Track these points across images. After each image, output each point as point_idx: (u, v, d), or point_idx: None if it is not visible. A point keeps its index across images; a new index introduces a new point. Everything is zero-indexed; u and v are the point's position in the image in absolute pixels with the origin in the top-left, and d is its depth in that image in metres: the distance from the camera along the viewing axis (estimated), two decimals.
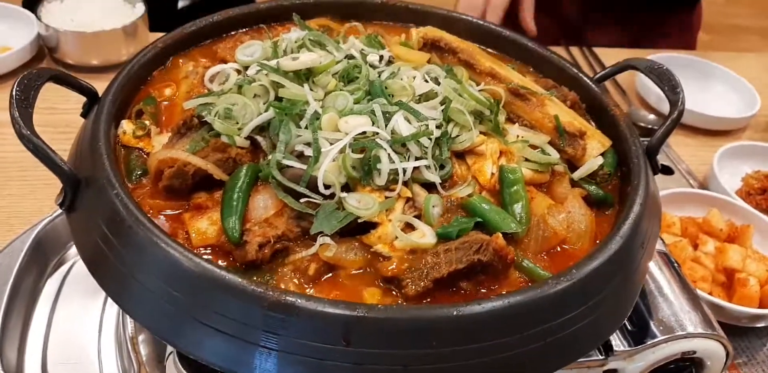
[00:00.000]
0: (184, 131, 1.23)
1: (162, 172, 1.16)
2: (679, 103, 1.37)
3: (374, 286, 1.06)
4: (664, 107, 2.61)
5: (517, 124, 1.35)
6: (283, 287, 1.04)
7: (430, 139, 1.17)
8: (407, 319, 0.95)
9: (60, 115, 2.20)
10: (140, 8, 2.42)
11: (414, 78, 1.30)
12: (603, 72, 1.64)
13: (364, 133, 1.16)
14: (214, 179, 1.17)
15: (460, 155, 1.26)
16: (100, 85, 1.30)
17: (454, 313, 0.96)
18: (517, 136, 1.33)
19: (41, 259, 1.74)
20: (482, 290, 1.09)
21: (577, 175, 1.31)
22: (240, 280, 0.95)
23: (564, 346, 1.06)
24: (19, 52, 2.32)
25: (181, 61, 1.46)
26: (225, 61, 1.47)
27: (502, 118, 1.31)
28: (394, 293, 1.07)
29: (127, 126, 1.29)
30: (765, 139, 2.63)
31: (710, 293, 1.83)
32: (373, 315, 0.93)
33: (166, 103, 1.41)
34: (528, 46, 1.65)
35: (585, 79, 1.59)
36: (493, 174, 1.23)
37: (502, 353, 0.99)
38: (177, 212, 1.16)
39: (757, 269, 1.87)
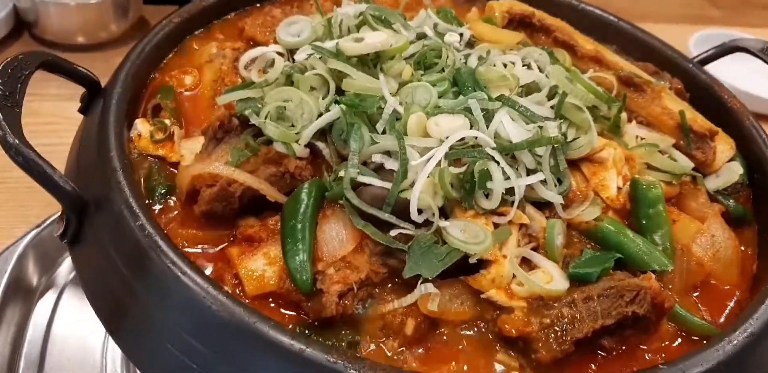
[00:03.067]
0: (221, 135, 0.94)
1: (197, 192, 0.87)
2: None
3: (494, 349, 0.80)
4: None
5: (633, 121, 1.08)
6: (373, 354, 0.77)
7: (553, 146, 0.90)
8: None
9: (43, 102, 1.87)
10: None
11: (513, 64, 1.01)
12: (705, 54, 1.39)
13: (462, 138, 0.88)
14: (265, 200, 0.89)
15: (573, 164, 0.99)
16: (91, 68, 1.01)
17: None
18: (637, 136, 1.06)
19: (26, 281, 1.45)
20: (625, 348, 0.84)
21: (713, 186, 1.05)
22: (325, 357, 0.68)
23: None
24: None
25: (195, 44, 1.17)
26: (256, 42, 1.18)
27: (624, 115, 1.03)
28: (513, 355, 0.80)
29: (142, 127, 1.00)
30: None
31: None
32: None
33: (187, 93, 1.12)
34: (610, 21, 1.38)
35: (686, 62, 1.32)
36: (619, 188, 0.96)
37: None
38: (220, 246, 0.88)
39: None
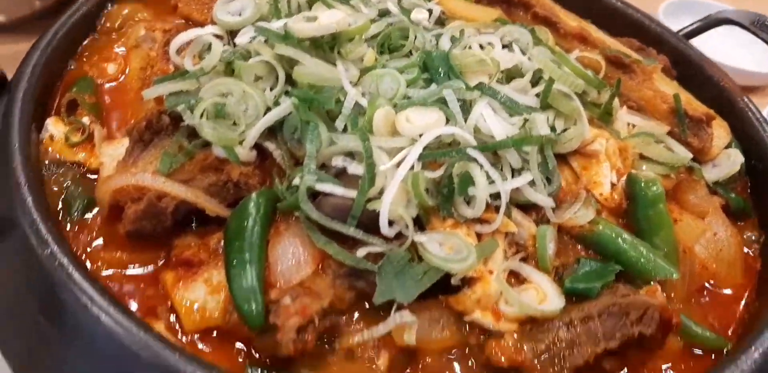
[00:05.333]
0: (149, 137, 0.79)
1: (121, 207, 0.72)
2: None
3: None
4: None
5: (624, 107, 0.97)
6: None
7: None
8: None
9: None
10: None
11: (492, 46, 0.88)
12: (691, 27, 1.28)
13: (438, 137, 0.75)
14: (205, 213, 0.75)
15: (560, 158, 0.87)
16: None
17: None
18: (628, 124, 0.95)
19: None
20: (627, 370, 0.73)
21: (713, 177, 0.96)
22: None
23: None
24: None
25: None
26: (192, 21, 1.02)
27: (617, 101, 0.92)
28: None
29: (55, 127, 0.84)
30: None
31: None
32: None
33: (110, 85, 0.95)
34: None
35: (672, 37, 1.21)
36: (614, 185, 0.85)
37: None
38: (150, 269, 0.73)
39: None
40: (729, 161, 0.96)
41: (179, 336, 0.68)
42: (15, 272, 0.70)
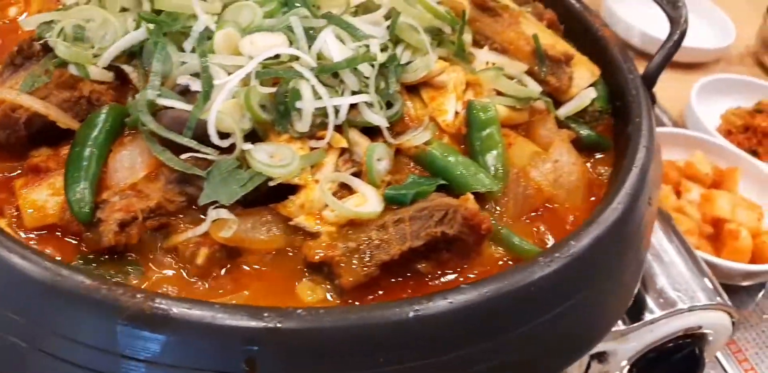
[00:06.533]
0: (20, 62, 0.86)
1: None
2: (682, 20, 1.08)
3: (302, 277, 0.75)
4: (650, 48, 2.26)
5: (486, 47, 1.02)
6: (156, 287, 0.71)
7: (373, 65, 0.84)
8: (342, 328, 0.64)
9: None
10: None
11: None
12: None
13: (278, 57, 0.81)
14: (62, 130, 0.81)
15: (414, 89, 0.93)
16: None
17: (410, 314, 0.66)
18: (487, 62, 1.00)
19: None
20: (446, 274, 0.79)
21: (563, 112, 1.01)
22: (81, 279, 0.62)
23: (559, 344, 0.79)
24: None
25: None
26: None
27: (468, 37, 0.98)
28: (325, 286, 0.75)
29: None
30: (740, 73, 2.39)
31: (697, 248, 1.59)
32: (289, 325, 0.62)
33: (9, 25, 1.02)
34: None
35: None
36: (457, 113, 0.91)
37: (476, 364, 0.71)
38: (6, 176, 0.80)
39: (748, 219, 1.65)
40: (580, 97, 1.01)
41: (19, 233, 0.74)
42: None
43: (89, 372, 0.63)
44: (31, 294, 0.63)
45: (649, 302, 1.13)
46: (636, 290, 0.92)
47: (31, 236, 0.74)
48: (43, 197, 0.75)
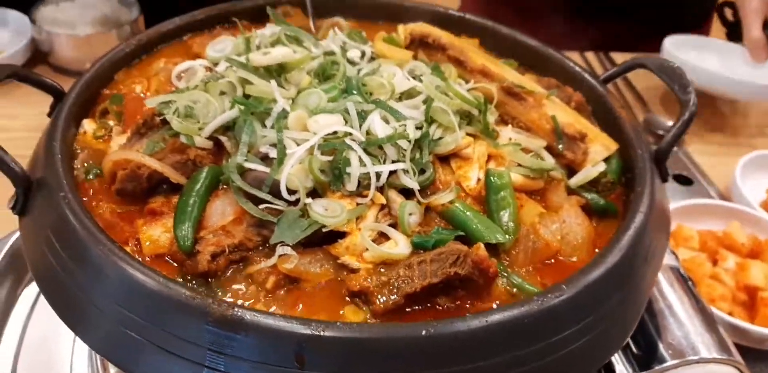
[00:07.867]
0: (144, 131, 1.14)
1: (116, 174, 1.07)
2: (690, 103, 1.24)
3: (344, 300, 0.95)
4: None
5: (510, 125, 1.24)
6: (234, 300, 0.93)
7: (409, 141, 1.06)
8: (370, 339, 0.84)
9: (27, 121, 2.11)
10: (135, 12, 2.37)
11: (394, 75, 1.19)
12: (610, 72, 1.52)
13: (336, 133, 1.06)
14: (173, 184, 1.08)
15: (445, 159, 1.15)
16: None
17: (423, 332, 0.84)
18: (510, 138, 1.21)
19: (18, 267, 1.66)
20: (461, 308, 0.98)
21: (573, 182, 1.19)
22: (183, 291, 0.85)
23: (553, 371, 0.94)
24: (13, 56, 2.27)
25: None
26: (200, 58, 1.39)
27: (491, 118, 1.19)
28: (364, 309, 0.95)
29: (88, 126, 1.21)
30: None
31: (730, 314, 1.67)
32: (330, 334, 0.82)
33: (135, 100, 1.32)
34: (528, 44, 1.54)
35: (590, 79, 1.47)
36: (479, 180, 1.11)
37: None
38: (129, 212, 1.06)
39: None
40: (585, 170, 1.19)
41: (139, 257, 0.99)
42: (43, 214, 1.04)
43: (183, 360, 0.85)
44: (148, 301, 0.87)
45: (662, 351, 1.24)
46: (630, 333, 1.05)
47: (147, 259, 0.99)
48: (158, 233, 1.01)
